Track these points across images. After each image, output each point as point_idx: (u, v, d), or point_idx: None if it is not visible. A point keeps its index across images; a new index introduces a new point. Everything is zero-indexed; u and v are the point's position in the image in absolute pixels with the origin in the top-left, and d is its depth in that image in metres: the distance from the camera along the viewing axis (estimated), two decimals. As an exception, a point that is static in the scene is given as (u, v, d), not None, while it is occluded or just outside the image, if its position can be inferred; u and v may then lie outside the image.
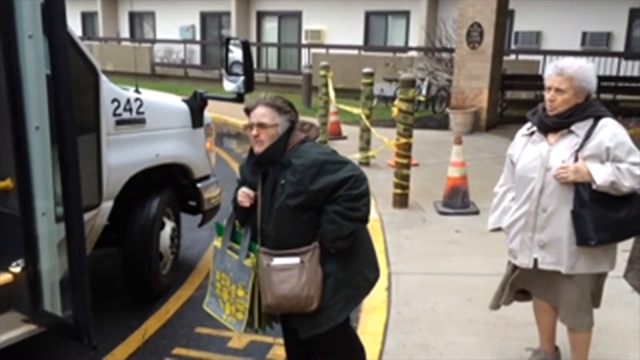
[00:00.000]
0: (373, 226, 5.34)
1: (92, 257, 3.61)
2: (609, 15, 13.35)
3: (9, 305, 2.96)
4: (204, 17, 20.34)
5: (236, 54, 3.79)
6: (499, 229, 2.88)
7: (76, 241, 2.64)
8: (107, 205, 3.54)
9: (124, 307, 3.94)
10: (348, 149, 7.99)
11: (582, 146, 2.55)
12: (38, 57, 2.69)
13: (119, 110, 3.55)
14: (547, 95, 2.63)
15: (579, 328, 2.76)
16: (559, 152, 2.59)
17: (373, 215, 5.64)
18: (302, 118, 2.55)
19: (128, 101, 3.63)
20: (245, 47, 3.72)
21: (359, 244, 2.45)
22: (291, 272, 2.33)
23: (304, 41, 17.89)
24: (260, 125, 2.38)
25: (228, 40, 3.85)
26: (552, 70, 2.63)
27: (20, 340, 2.90)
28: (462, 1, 10.24)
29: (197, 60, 20.08)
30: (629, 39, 13.73)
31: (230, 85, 3.88)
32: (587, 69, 2.60)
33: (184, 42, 19.98)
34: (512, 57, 13.71)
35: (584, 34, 13.88)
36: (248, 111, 2.46)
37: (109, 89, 3.48)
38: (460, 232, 5.17)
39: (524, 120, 2.85)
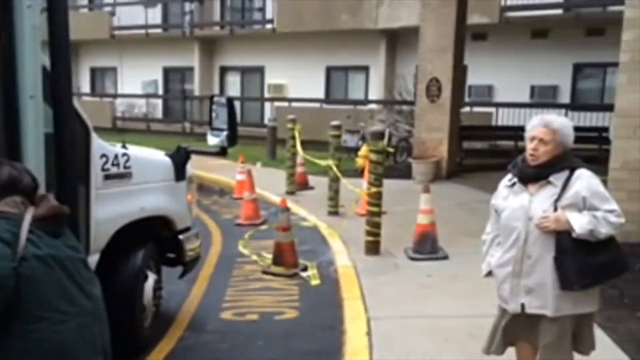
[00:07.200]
0: (348, 273, 5.50)
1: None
2: (555, 69, 14.28)
3: None
4: (166, 71, 20.62)
5: (219, 110, 4.00)
6: (491, 273, 3.02)
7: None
8: (94, 258, 3.58)
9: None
10: (316, 199, 8.20)
11: (560, 196, 2.73)
12: (38, 116, 2.81)
13: (107, 165, 3.67)
14: (530, 145, 2.81)
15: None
16: (539, 202, 2.78)
17: (347, 262, 5.80)
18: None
19: (116, 156, 3.75)
20: (230, 103, 3.94)
21: None
22: None
23: (266, 95, 18.31)
24: None
25: (212, 97, 4.07)
26: (538, 122, 2.83)
27: None
28: (421, 59, 10.83)
29: (159, 113, 20.21)
30: (573, 92, 14.68)
31: (213, 140, 4.06)
32: (569, 125, 2.86)
33: (146, 96, 20.12)
34: (467, 109, 14.40)
35: (533, 87, 14.76)
36: None
37: (97, 145, 3.61)
38: (431, 276, 5.37)
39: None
